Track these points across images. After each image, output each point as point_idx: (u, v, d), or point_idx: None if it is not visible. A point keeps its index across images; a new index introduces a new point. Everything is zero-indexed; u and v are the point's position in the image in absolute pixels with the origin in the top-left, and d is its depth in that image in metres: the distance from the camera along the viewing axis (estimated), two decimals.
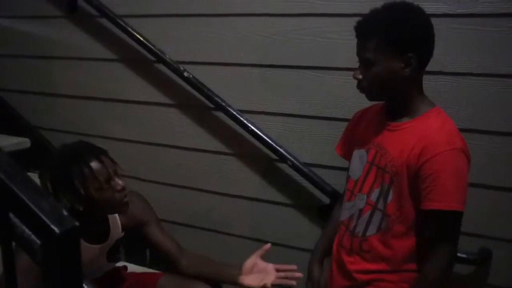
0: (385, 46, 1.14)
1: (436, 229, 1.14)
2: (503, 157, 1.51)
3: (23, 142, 2.33)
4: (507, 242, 1.56)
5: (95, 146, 1.44)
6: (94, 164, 1.36)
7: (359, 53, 1.20)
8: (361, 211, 1.27)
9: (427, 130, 1.16)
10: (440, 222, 1.14)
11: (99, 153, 1.40)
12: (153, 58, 1.97)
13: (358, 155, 1.32)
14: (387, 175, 1.20)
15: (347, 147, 1.41)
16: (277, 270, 1.47)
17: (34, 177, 1.03)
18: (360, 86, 1.22)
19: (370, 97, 1.25)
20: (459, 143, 1.14)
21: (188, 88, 1.93)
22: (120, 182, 1.41)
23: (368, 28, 1.17)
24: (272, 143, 1.78)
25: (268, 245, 1.48)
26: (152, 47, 1.93)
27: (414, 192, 1.16)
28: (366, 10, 1.22)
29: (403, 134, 1.20)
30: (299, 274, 1.40)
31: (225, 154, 1.97)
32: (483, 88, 1.50)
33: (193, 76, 1.88)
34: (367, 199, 1.26)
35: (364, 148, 1.29)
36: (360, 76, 1.20)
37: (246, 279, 1.48)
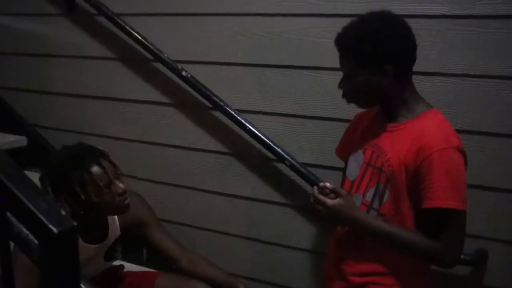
0: (359, 60, 1.17)
1: (437, 228, 1.15)
2: (500, 159, 1.52)
3: (20, 140, 2.33)
4: (503, 243, 1.56)
5: (96, 149, 1.44)
6: (94, 169, 1.37)
7: (340, 66, 1.23)
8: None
9: (424, 131, 1.16)
10: (440, 221, 1.14)
11: (99, 157, 1.40)
12: (151, 57, 1.97)
13: (355, 156, 1.32)
14: (383, 174, 1.20)
15: (346, 149, 1.41)
16: None
17: (31, 175, 1.03)
18: (345, 96, 1.25)
19: (358, 106, 1.28)
20: (455, 142, 1.15)
21: (186, 87, 1.92)
22: (120, 185, 1.42)
23: (343, 43, 1.20)
24: (270, 143, 1.78)
25: None
26: (150, 46, 1.93)
27: (413, 192, 1.17)
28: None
29: (400, 135, 1.20)
30: None
31: (223, 153, 1.97)
32: (481, 90, 1.51)
33: (191, 76, 1.88)
34: (362, 199, 1.26)
35: (361, 149, 1.30)
36: (343, 88, 1.24)
37: None
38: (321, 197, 1.17)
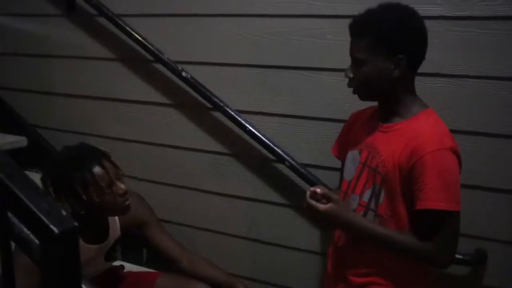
0: (375, 45, 1.15)
1: (430, 229, 1.15)
2: (499, 159, 1.52)
3: (20, 141, 2.33)
4: (502, 243, 1.57)
5: (97, 149, 1.44)
6: (96, 170, 1.37)
7: (351, 52, 1.21)
8: (353, 211, 1.27)
9: (418, 131, 1.16)
10: (433, 222, 1.14)
11: (101, 158, 1.40)
12: (151, 58, 1.97)
13: (352, 156, 1.32)
14: (378, 175, 1.21)
15: (342, 148, 1.42)
16: None
17: (31, 176, 1.03)
18: (351, 85, 1.24)
19: (361, 97, 1.26)
20: (449, 143, 1.15)
21: (186, 88, 1.93)
22: (122, 186, 1.42)
23: (360, 27, 1.18)
24: (270, 144, 1.78)
25: None
26: (150, 47, 1.93)
27: (407, 193, 1.17)
28: (363, 11, 1.23)
29: (395, 135, 1.20)
30: None
31: (223, 154, 1.98)
32: (480, 91, 1.51)
33: (191, 76, 1.88)
34: (359, 200, 1.26)
35: (357, 149, 1.30)
36: (351, 75, 1.21)
37: None
38: (313, 202, 1.16)
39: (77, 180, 1.35)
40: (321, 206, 1.16)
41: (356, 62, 1.20)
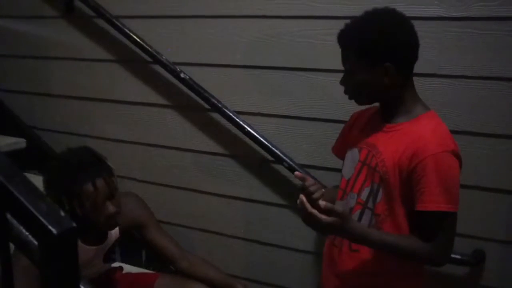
0: (359, 57, 1.18)
1: (429, 230, 1.15)
2: (496, 159, 1.53)
3: (19, 142, 2.33)
4: (500, 244, 1.57)
5: (100, 163, 1.40)
6: (85, 187, 1.33)
7: (342, 62, 1.23)
8: (351, 210, 1.28)
9: (420, 133, 1.17)
10: (433, 223, 1.15)
11: (97, 175, 1.36)
12: (149, 59, 1.97)
13: (351, 154, 1.33)
14: (377, 174, 1.21)
15: (342, 147, 1.42)
16: None
17: (30, 177, 1.02)
18: (346, 93, 1.26)
19: (358, 103, 1.28)
20: (451, 146, 1.15)
21: (185, 89, 1.93)
22: (110, 208, 1.38)
23: (345, 40, 1.20)
24: (268, 145, 1.79)
25: None
26: (149, 48, 1.93)
27: (406, 194, 1.17)
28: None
29: (396, 136, 1.21)
30: None
31: (221, 155, 1.98)
32: (477, 91, 1.51)
33: (189, 77, 1.88)
34: (357, 198, 1.27)
35: (357, 148, 1.31)
36: (345, 84, 1.24)
37: None
38: (314, 212, 1.07)
39: (64, 190, 1.33)
40: (324, 219, 1.08)
41: (346, 72, 1.23)
